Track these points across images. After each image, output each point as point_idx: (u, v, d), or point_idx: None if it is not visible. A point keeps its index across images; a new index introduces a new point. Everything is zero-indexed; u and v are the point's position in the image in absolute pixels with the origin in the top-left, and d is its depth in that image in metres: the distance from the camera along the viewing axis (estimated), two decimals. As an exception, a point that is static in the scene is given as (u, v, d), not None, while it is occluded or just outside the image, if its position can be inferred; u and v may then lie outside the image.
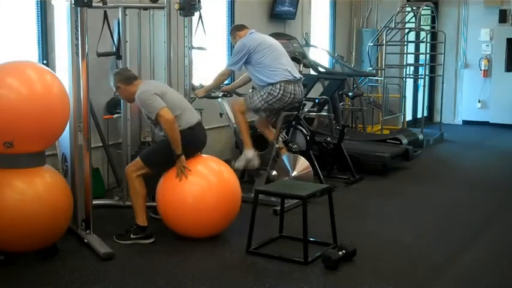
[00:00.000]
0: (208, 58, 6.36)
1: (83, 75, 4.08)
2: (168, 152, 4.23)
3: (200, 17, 5.07)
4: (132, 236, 4.23)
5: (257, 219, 4.11)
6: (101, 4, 4.45)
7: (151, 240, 4.23)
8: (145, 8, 5.13)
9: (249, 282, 3.60)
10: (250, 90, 5.86)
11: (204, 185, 4.26)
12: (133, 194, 4.30)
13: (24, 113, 3.63)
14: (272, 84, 5.26)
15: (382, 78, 8.89)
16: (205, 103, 5.72)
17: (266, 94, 5.28)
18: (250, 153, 5.37)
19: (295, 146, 5.88)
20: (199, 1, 4.91)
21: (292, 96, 5.34)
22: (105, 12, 4.84)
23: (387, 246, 4.32)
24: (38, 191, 3.76)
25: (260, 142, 5.65)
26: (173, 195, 4.23)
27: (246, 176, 5.75)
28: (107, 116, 5.53)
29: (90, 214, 4.20)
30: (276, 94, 5.27)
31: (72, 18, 4.04)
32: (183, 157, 4.21)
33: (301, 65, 7.46)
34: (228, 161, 5.03)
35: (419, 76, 10.15)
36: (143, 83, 4.44)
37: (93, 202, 4.34)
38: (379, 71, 9.11)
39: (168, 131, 4.20)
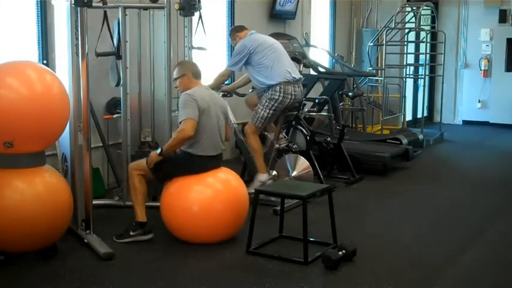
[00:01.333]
0: (208, 58, 6.36)
1: (83, 75, 4.08)
2: (174, 166, 4.25)
3: (200, 17, 5.07)
4: (131, 233, 4.22)
5: (257, 219, 4.11)
6: (100, 4, 4.45)
7: (149, 236, 4.23)
8: (145, 8, 5.13)
9: (249, 282, 3.60)
10: (250, 90, 5.87)
11: (210, 193, 4.25)
12: (133, 191, 4.30)
13: (24, 113, 3.63)
14: (272, 86, 5.26)
15: (382, 78, 8.89)
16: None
17: (268, 101, 5.28)
18: (263, 178, 5.28)
19: (295, 146, 5.88)
20: (199, 1, 4.91)
21: (292, 97, 5.35)
22: (105, 12, 4.83)
23: (387, 246, 4.32)
24: (38, 191, 3.76)
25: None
26: (179, 202, 4.21)
27: (246, 176, 5.75)
28: (107, 116, 5.53)
29: (90, 214, 4.20)
30: (276, 97, 5.28)
31: (72, 18, 4.04)
32: (158, 157, 4.17)
33: (301, 65, 7.46)
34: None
35: (419, 76, 10.15)
36: (201, 86, 4.36)
37: (93, 202, 4.34)
38: (379, 71, 9.11)
39: (176, 139, 4.17)
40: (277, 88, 5.28)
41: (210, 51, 5.80)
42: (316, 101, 6.39)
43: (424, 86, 9.51)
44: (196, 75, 4.38)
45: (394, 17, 9.15)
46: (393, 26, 9.17)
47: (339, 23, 9.60)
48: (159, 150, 4.20)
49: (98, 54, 4.84)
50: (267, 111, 5.31)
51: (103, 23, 4.78)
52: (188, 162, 4.25)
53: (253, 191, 5.00)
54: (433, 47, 10.71)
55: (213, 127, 4.29)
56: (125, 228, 4.30)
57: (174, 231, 4.26)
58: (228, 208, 4.20)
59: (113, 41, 4.95)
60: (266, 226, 4.51)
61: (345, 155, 6.35)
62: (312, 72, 7.88)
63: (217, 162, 4.36)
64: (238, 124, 5.65)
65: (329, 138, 6.51)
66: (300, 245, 3.92)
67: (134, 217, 4.26)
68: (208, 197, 4.23)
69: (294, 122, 6.05)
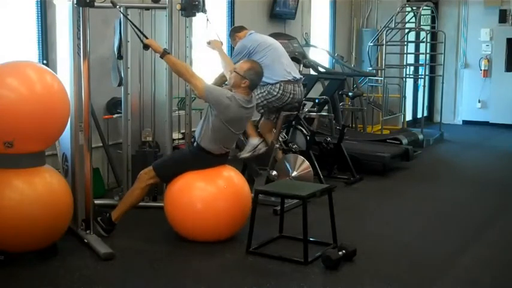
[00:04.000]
0: (209, 58, 6.35)
1: (85, 75, 4.08)
2: (180, 167, 4.28)
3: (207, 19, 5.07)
4: (98, 219, 4.30)
5: (257, 219, 4.11)
6: (102, 4, 4.43)
7: (106, 235, 4.27)
8: (147, 8, 5.12)
9: (249, 282, 3.60)
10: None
11: (213, 190, 4.26)
12: (129, 195, 4.39)
13: (24, 113, 3.63)
14: (272, 84, 5.28)
15: (382, 78, 8.90)
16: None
17: (266, 92, 5.31)
18: (255, 141, 5.31)
19: (295, 146, 5.88)
20: (203, 3, 4.88)
21: (291, 96, 5.36)
22: (120, 12, 4.79)
23: (387, 246, 4.32)
24: (38, 191, 3.76)
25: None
26: (182, 200, 4.23)
27: (245, 176, 5.74)
28: (107, 116, 5.53)
29: (90, 214, 4.20)
30: (275, 93, 5.30)
31: (74, 18, 4.05)
32: (159, 48, 4.27)
33: (301, 65, 7.46)
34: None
35: (419, 76, 10.15)
36: (236, 93, 4.29)
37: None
38: (379, 71, 9.12)
39: (187, 71, 4.26)
40: (277, 85, 5.31)
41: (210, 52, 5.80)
42: (316, 101, 6.39)
43: (424, 86, 9.51)
44: (253, 87, 4.36)
45: (394, 17, 9.15)
46: (393, 26, 9.17)
47: (339, 23, 9.60)
48: (163, 49, 4.27)
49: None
50: (261, 99, 5.31)
51: (131, 23, 4.58)
52: (195, 157, 4.29)
53: (245, 155, 5.14)
54: (433, 47, 10.72)
55: (235, 134, 4.37)
56: (121, 225, 4.34)
57: (178, 229, 4.28)
58: (232, 205, 4.21)
59: (140, 39, 4.65)
60: (266, 226, 4.51)
61: (345, 155, 6.36)
62: (312, 72, 7.88)
63: (223, 160, 4.40)
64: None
65: (329, 138, 6.51)
66: (300, 245, 3.92)
67: (111, 212, 4.34)
68: (212, 194, 4.24)
69: (294, 122, 6.06)
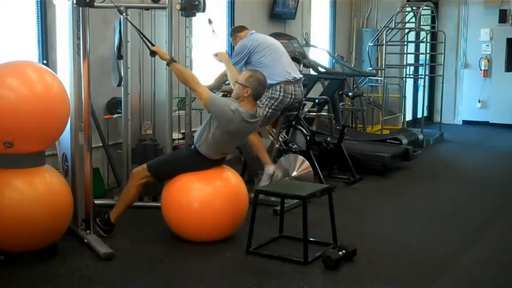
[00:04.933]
0: (209, 58, 6.35)
1: (84, 75, 4.08)
2: (175, 167, 4.28)
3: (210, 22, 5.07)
4: (97, 220, 4.30)
5: (257, 219, 4.11)
6: (102, 4, 4.42)
7: (105, 235, 4.27)
8: (147, 8, 5.12)
9: (249, 282, 3.60)
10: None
11: (210, 191, 4.25)
12: (125, 194, 4.38)
13: (24, 113, 3.63)
14: (272, 85, 5.26)
15: (382, 78, 8.90)
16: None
17: (268, 100, 5.29)
18: (270, 169, 5.20)
19: (295, 146, 5.88)
20: (203, 4, 4.88)
21: (292, 97, 5.36)
22: (125, 18, 4.79)
23: (387, 246, 4.32)
24: (38, 191, 3.76)
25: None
26: (179, 200, 4.23)
27: (246, 177, 5.75)
28: (107, 116, 5.53)
29: (90, 214, 4.20)
30: (277, 97, 5.29)
31: (74, 18, 4.05)
32: (166, 57, 4.30)
33: (301, 65, 7.46)
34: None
35: (419, 76, 10.15)
36: (249, 110, 4.22)
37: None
38: (379, 71, 9.12)
39: (191, 79, 4.26)
40: (278, 87, 5.29)
41: (210, 52, 5.79)
42: (316, 101, 6.40)
43: (424, 86, 9.51)
44: (256, 97, 4.29)
45: (394, 17, 9.15)
46: (393, 26, 9.17)
47: (339, 23, 9.61)
48: (170, 57, 4.33)
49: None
50: (267, 109, 5.31)
51: (136, 28, 4.55)
52: (190, 159, 4.28)
53: (265, 184, 5.00)
54: (433, 47, 10.72)
55: (234, 145, 4.47)
56: (121, 225, 4.34)
57: (175, 229, 4.27)
58: (228, 205, 4.21)
59: (148, 46, 4.49)
60: (266, 226, 4.51)
61: (345, 155, 6.36)
62: (312, 72, 7.88)
63: (219, 164, 4.39)
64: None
65: (329, 138, 6.51)
66: (300, 245, 3.92)
67: (109, 212, 4.33)
68: (209, 194, 4.24)
69: (294, 122, 6.06)
